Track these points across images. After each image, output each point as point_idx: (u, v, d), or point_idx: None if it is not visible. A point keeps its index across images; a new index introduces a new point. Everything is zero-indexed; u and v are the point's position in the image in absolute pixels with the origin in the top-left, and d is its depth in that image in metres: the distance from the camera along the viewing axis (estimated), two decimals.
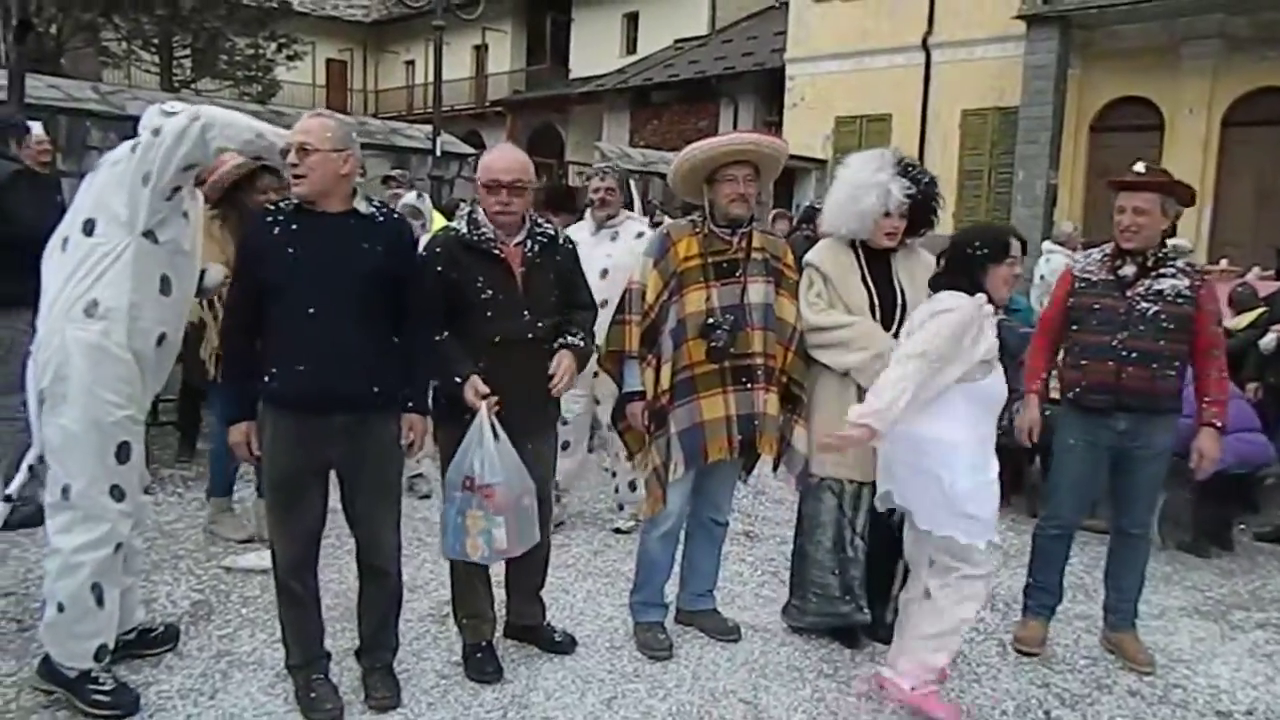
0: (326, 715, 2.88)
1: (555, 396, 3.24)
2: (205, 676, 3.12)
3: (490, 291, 3.06)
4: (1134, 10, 13.70)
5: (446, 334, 3.06)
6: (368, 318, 2.83)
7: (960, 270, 3.15)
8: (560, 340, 3.19)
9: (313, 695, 2.92)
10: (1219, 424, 3.48)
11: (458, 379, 3.01)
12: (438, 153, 11.22)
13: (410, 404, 2.98)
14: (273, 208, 2.88)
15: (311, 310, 2.76)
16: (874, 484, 3.43)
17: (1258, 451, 4.81)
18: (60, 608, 2.81)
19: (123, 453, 2.83)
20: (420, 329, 2.98)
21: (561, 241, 3.29)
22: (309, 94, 28.96)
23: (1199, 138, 13.93)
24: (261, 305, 2.81)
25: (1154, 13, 13.67)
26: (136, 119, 2.90)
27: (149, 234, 2.83)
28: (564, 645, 3.42)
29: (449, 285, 3.06)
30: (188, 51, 19.92)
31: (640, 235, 4.74)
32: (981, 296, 3.09)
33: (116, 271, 2.79)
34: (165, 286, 2.89)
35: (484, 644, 3.27)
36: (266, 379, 2.81)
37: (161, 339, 2.92)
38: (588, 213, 4.80)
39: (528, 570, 3.39)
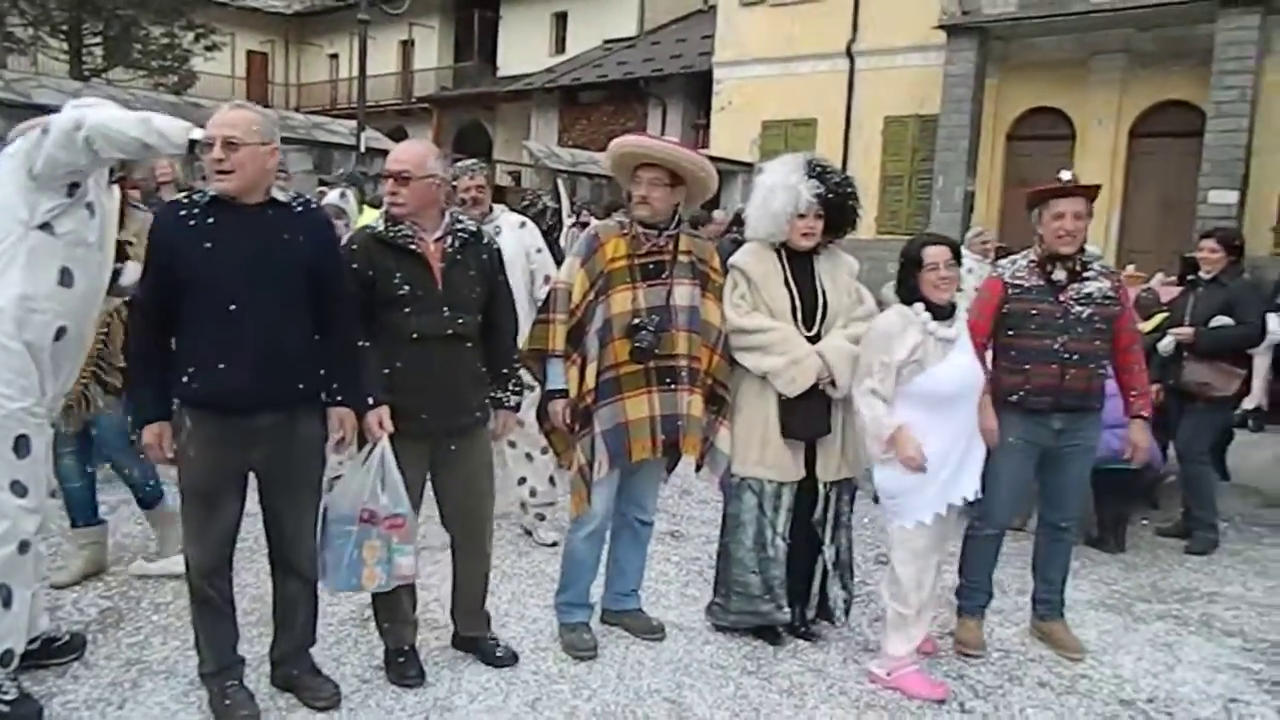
0: None
1: (482, 402, 3.24)
2: (114, 686, 3.03)
3: (408, 288, 3.02)
4: (1048, 23, 14.20)
5: (368, 343, 3.00)
6: (292, 312, 2.77)
7: (901, 283, 3.44)
8: (496, 398, 3.29)
9: (227, 703, 2.85)
10: (1147, 414, 3.70)
11: (369, 399, 2.96)
12: (362, 148, 11.07)
13: (339, 398, 2.91)
14: (186, 200, 2.77)
15: (233, 306, 2.68)
16: (794, 484, 3.52)
17: None
18: None
19: (21, 446, 2.71)
20: (348, 322, 2.92)
21: (485, 240, 3.27)
22: (228, 86, 28.20)
23: (1108, 148, 14.50)
24: (175, 302, 2.70)
25: (1066, 26, 14.18)
26: (42, 108, 2.79)
27: (45, 226, 2.72)
28: (504, 660, 3.36)
29: (367, 282, 3.01)
30: (99, 39, 19.23)
31: (523, 225, 4.70)
32: (918, 305, 3.33)
33: (6, 264, 2.68)
34: (65, 278, 2.78)
35: (406, 648, 3.23)
36: (185, 379, 2.71)
37: (61, 332, 2.80)
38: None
39: (472, 581, 3.37)
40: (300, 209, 2.84)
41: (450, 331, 3.08)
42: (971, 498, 3.42)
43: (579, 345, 3.37)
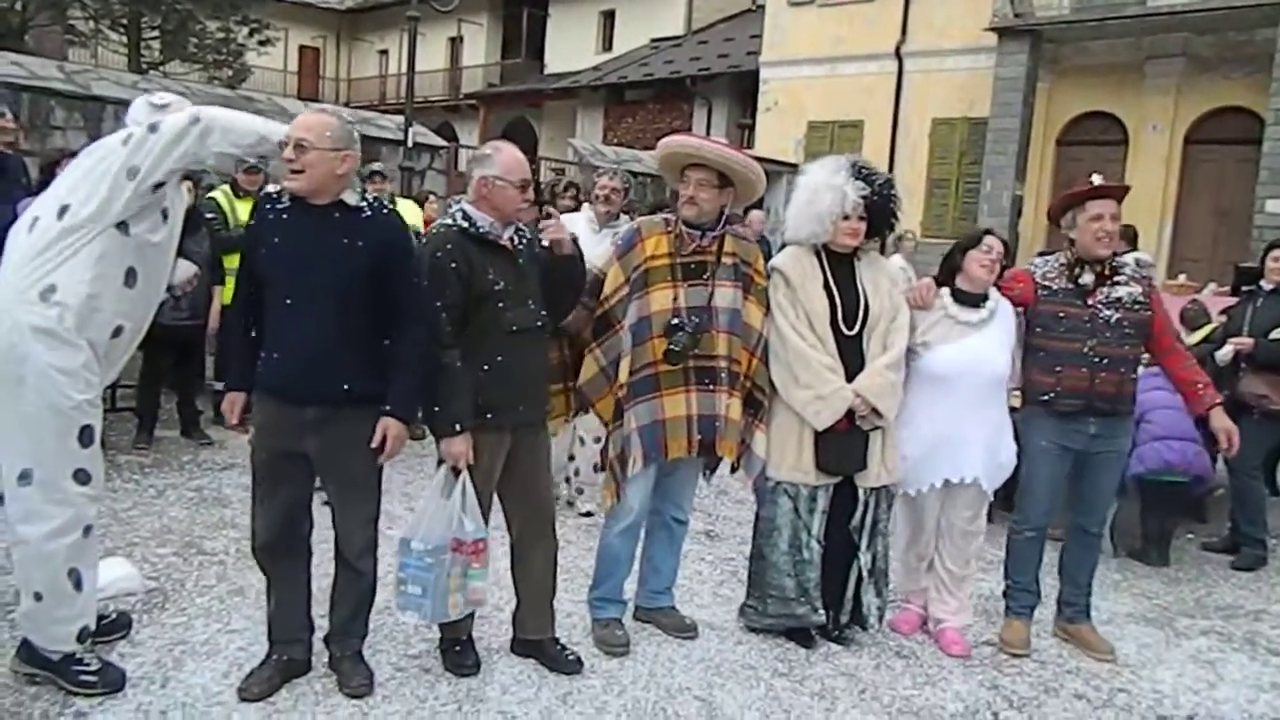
0: (248, 692, 2.93)
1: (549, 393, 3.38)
2: (158, 664, 3.10)
3: (501, 282, 3.04)
4: (1102, 26, 13.95)
5: (459, 362, 2.97)
6: (344, 313, 2.80)
7: (943, 265, 3.75)
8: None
9: (251, 671, 3.00)
10: (1221, 400, 3.68)
11: (457, 427, 2.97)
12: (409, 144, 11.18)
13: (389, 408, 2.86)
14: (277, 194, 2.89)
15: (289, 301, 2.79)
16: (828, 487, 3.52)
17: (1188, 460, 4.90)
18: (38, 596, 2.78)
19: (85, 436, 2.79)
20: (411, 330, 2.87)
21: (531, 237, 3.29)
22: (280, 80, 28.66)
23: (1161, 154, 14.21)
24: (260, 288, 2.87)
25: (1121, 30, 13.92)
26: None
27: (121, 225, 2.81)
28: (573, 665, 3.28)
29: (465, 278, 2.99)
30: (156, 33, 19.63)
31: None
32: (944, 289, 3.67)
33: (80, 260, 2.76)
34: (130, 279, 2.86)
35: (464, 637, 3.27)
36: (258, 363, 2.89)
37: (119, 330, 2.88)
38: (587, 207, 4.88)
39: (544, 570, 3.33)
40: (369, 213, 2.86)
41: (539, 324, 3.16)
42: (969, 481, 3.62)
43: (599, 336, 3.40)
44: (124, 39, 19.43)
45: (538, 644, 3.35)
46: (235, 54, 20.96)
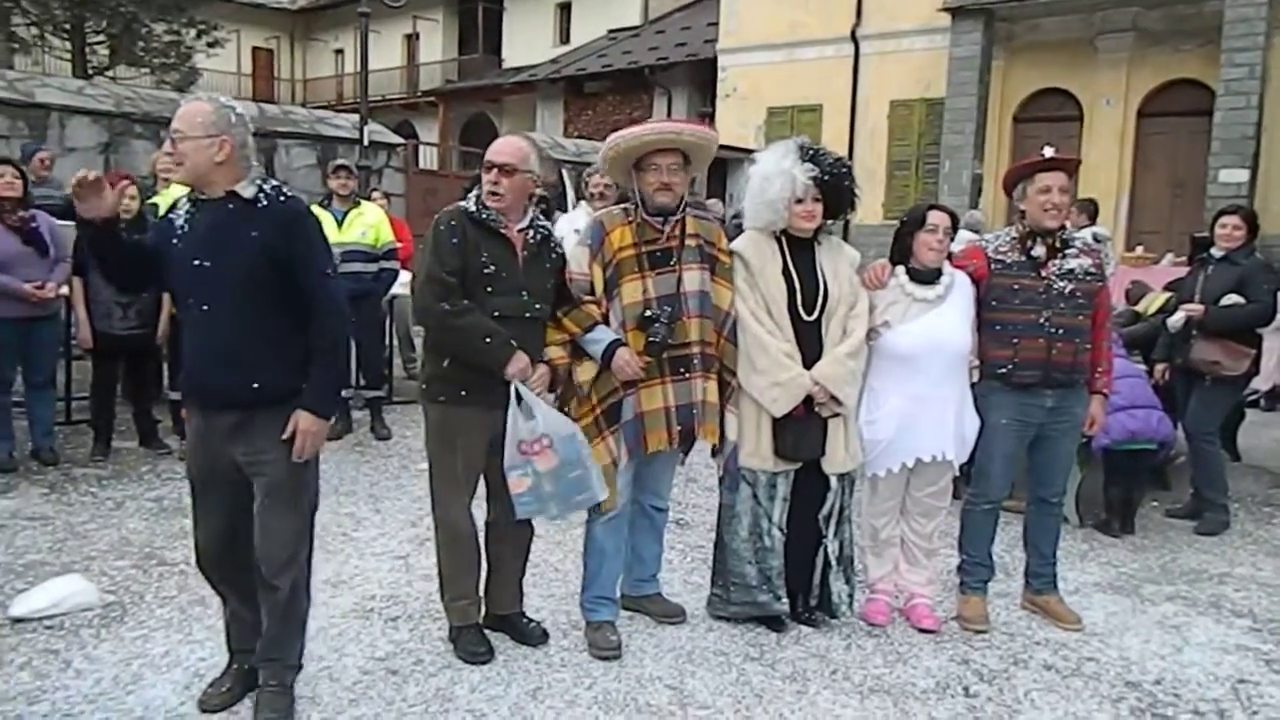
0: (207, 704, 2.88)
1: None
2: (116, 680, 3.03)
3: (493, 267, 3.16)
4: (1053, 3, 14.08)
5: (474, 307, 3.11)
6: (247, 309, 2.65)
7: (895, 244, 3.71)
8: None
9: (208, 682, 2.94)
10: (1108, 392, 3.81)
11: (508, 348, 3.10)
12: (365, 142, 11.06)
13: (304, 401, 2.70)
14: (188, 198, 2.79)
15: (190, 300, 2.72)
16: (788, 474, 3.51)
17: (1153, 427, 4.97)
18: None
19: None
20: (321, 321, 2.72)
21: (555, 243, 3.38)
22: (234, 82, 28.24)
23: (1115, 128, 14.36)
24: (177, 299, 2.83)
25: (1072, 6, 14.06)
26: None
27: None
28: (538, 637, 3.42)
29: (459, 252, 3.13)
30: (102, 37, 19.24)
31: None
32: (899, 268, 3.65)
33: None
34: None
35: (473, 625, 3.31)
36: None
37: None
38: (583, 205, 5.25)
39: (516, 553, 3.42)
40: (265, 203, 2.68)
41: (527, 314, 3.22)
42: (940, 458, 3.61)
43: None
44: (68, 45, 19.02)
45: (507, 618, 3.45)
46: (184, 57, 20.58)
